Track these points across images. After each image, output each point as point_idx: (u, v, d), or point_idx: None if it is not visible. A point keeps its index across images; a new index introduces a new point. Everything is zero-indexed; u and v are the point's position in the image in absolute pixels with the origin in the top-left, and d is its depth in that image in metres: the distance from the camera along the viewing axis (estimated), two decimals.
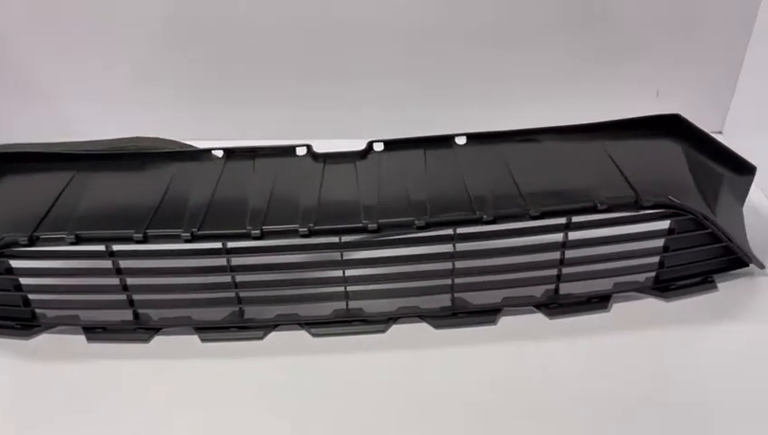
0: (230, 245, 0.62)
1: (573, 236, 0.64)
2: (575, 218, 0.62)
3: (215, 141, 0.74)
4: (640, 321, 0.67)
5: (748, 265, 0.70)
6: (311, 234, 0.60)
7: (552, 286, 0.67)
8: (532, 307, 0.68)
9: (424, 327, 0.67)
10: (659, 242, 0.66)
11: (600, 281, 0.68)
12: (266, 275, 0.65)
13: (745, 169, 0.67)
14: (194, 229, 0.60)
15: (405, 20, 0.90)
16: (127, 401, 0.61)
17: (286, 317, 0.67)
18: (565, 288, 0.68)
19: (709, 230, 0.64)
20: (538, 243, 0.64)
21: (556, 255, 0.65)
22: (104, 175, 0.69)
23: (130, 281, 0.65)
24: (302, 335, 0.67)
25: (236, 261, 0.64)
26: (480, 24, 0.90)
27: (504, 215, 0.61)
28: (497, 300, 0.67)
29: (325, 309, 0.67)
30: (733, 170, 0.68)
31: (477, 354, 0.64)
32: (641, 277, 0.69)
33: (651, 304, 0.68)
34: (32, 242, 0.61)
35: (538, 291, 0.68)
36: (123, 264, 0.63)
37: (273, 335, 0.67)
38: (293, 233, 0.60)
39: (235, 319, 0.67)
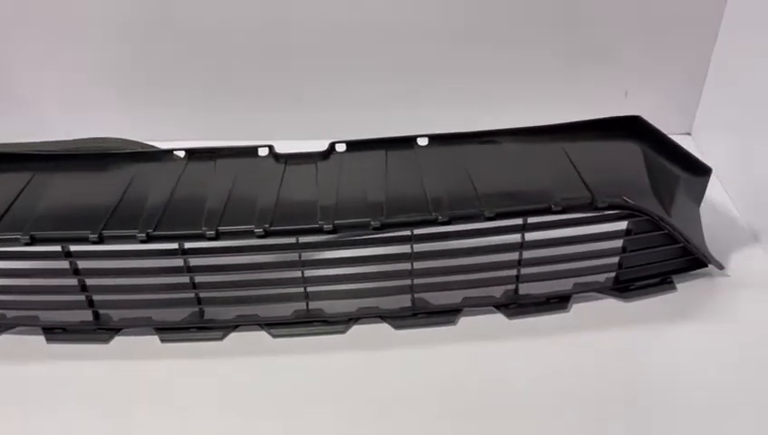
0: (187, 245, 0.62)
1: (532, 236, 0.64)
2: (533, 219, 0.63)
3: (178, 142, 0.74)
4: (599, 321, 0.67)
5: (707, 266, 0.71)
6: (267, 235, 0.60)
7: (512, 287, 0.68)
8: (492, 307, 0.68)
9: (384, 328, 0.67)
10: (618, 243, 0.67)
11: (559, 281, 0.68)
12: (225, 276, 0.65)
13: (701, 171, 0.68)
14: (149, 230, 0.60)
15: (371, 21, 0.90)
16: (86, 401, 0.61)
17: (246, 318, 0.67)
18: (525, 289, 0.68)
19: (665, 231, 0.65)
20: (496, 244, 0.64)
21: (515, 255, 0.65)
22: (64, 175, 0.69)
23: (90, 281, 0.65)
24: (262, 336, 0.67)
25: (195, 262, 0.64)
26: (447, 24, 0.90)
27: (460, 216, 0.61)
28: (457, 300, 0.68)
29: (286, 310, 0.67)
30: (690, 172, 0.68)
31: (437, 355, 0.64)
32: (601, 278, 0.69)
33: (610, 304, 0.69)
34: None
35: (498, 291, 0.68)
36: (81, 264, 0.63)
37: (234, 336, 0.67)
38: (249, 234, 0.60)
39: (195, 320, 0.67)
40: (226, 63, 0.93)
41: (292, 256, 0.64)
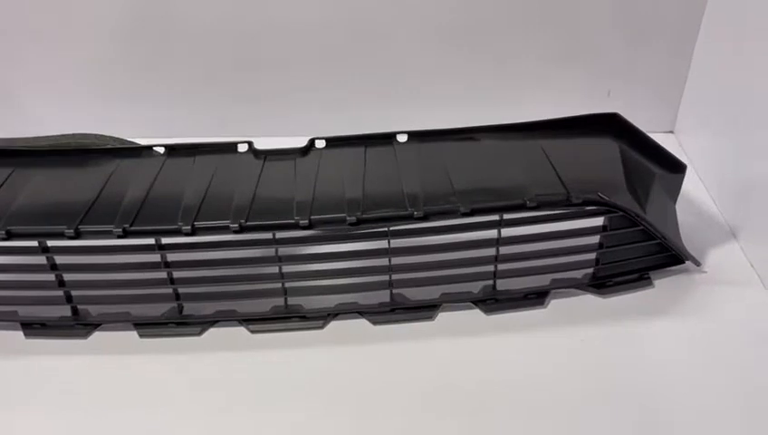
0: (164, 241, 0.62)
1: (508, 232, 0.64)
2: (510, 215, 0.63)
3: (159, 139, 0.74)
4: (576, 317, 0.67)
5: (684, 262, 0.71)
6: (242, 230, 0.61)
7: (490, 283, 0.68)
8: (470, 303, 0.68)
9: (362, 323, 0.67)
10: (595, 239, 0.67)
11: (537, 277, 0.69)
12: (202, 272, 0.65)
13: (677, 168, 0.68)
14: (126, 225, 0.60)
15: (352, 20, 0.90)
16: (64, 396, 0.61)
17: (224, 314, 0.67)
18: (502, 284, 0.68)
19: (641, 227, 0.65)
20: (472, 239, 0.65)
21: (492, 251, 0.66)
22: (44, 171, 0.69)
23: (68, 277, 0.65)
24: (240, 332, 0.67)
25: (173, 257, 0.64)
26: (429, 24, 0.91)
27: (436, 211, 0.61)
28: (435, 296, 0.68)
29: (264, 305, 0.67)
30: (666, 168, 0.69)
31: (415, 350, 0.65)
32: (579, 274, 0.70)
33: (588, 300, 0.69)
34: None
35: (476, 287, 0.69)
36: (59, 260, 0.63)
37: (212, 331, 0.67)
38: (225, 229, 0.61)
39: (173, 315, 0.67)
40: (207, 61, 0.93)
41: (270, 251, 0.64)
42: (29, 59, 0.93)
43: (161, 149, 0.72)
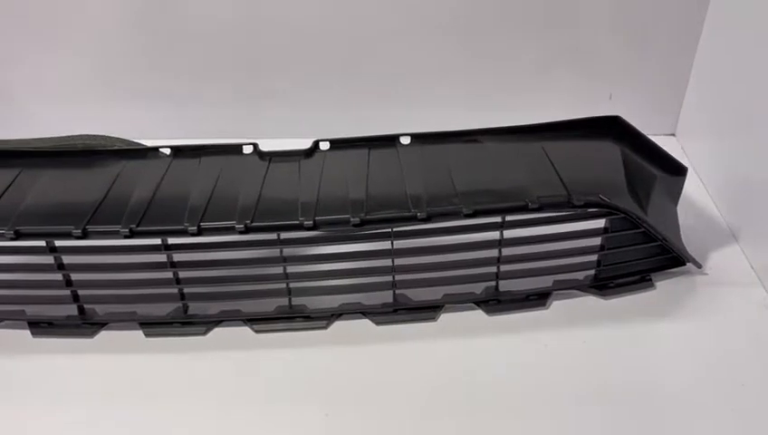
0: (171, 241, 0.63)
1: (511, 234, 0.65)
2: (512, 217, 0.64)
3: (164, 141, 0.75)
4: (578, 318, 0.68)
5: (685, 265, 0.71)
6: (248, 230, 0.61)
7: (492, 284, 0.69)
8: (472, 304, 0.69)
9: (365, 323, 0.68)
10: (596, 241, 0.68)
11: (539, 279, 0.69)
12: (208, 272, 0.66)
13: (678, 170, 0.69)
14: (132, 225, 0.61)
15: (356, 22, 0.91)
16: (70, 395, 0.61)
17: (229, 313, 0.68)
18: (505, 285, 0.69)
19: (642, 229, 0.66)
20: (475, 241, 0.65)
21: (494, 252, 0.66)
22: (51, 172, 0.70)
23: (75, 277, 0.65)
24: (244, 331, 0.67)
25: (178, 257, 0.65)
26: (432, 24, 0.91)
27: (438, 213, 0.62)
28: (438, 297, 0.68)
29: (268, 305, 0.68)
30: (667, 171, 0.69)
31: (418, 350, 0.65)
32: (580, 275, 0.70)
33: (589, 301, 0.70)
34: None
35: (478, 288, 0.69)
36: (66, 259, 0.64)
37: (217, 331, 0.68)
38: (231, 229, 0.61)
39: (178, 315, 0.67)
40: (212, 63, 0.94)
41: (274, 252, 0.65)
42: (32, 59, 0.94)
43: (167, 151, 0.73)
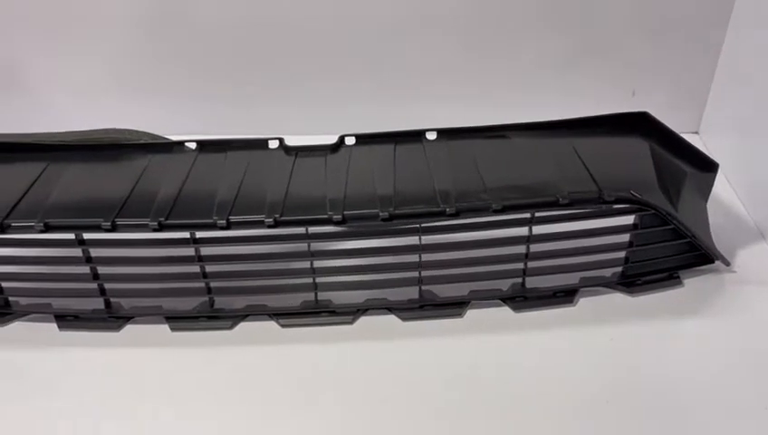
0: (198, 235, 0.63)
1: (539, 230, 0.65)
2: (541, 213, 0.63)
3: (188, 136, 0.75)
4: (605, 315, 0.67)
5: (714, 262, 0.71)
6: (276, 224, 0.61)
7: (519, 280, 0.68)
8: (498, 300, 0.68)
9: (391, 319, 0.68)
10: (625, 237, 0.67)
11: (566, 275, 0.69)
12: (235, 266, 0.66)
13: (709, 167, 0.68)
14: (161, 219, 0.61)
15: (382, 17, 0.91)
16: (97, 389, 0.61)
17: (255, 308, 0.68)
18: (531, 282, 0.68)
19: (672, 226, 0.65)
20: (504, 236, 0.65)
21: (522, 248, 0.66)
22: (77, 165, 0.70)
23: (102, 270, 0.66)
24: (270, 326, 0.67)
25: (206, 251, 0.64)
26: (456, 20, 0.91)
27: (467, 208, 0.62)
28: (464, 293, 0.68)
29: (294, 300, 0.68)
30: (697, 167, 0.69)
31: (444, 346, 0.65)
32: (607, 272, 0.70)
33: (617, 298, 0.69)
34: (2, 229, 0.61)
35: (504, 284, 0.69)
36: (94, 252, 0.64)
37: (243, 325, 0.68)
38: (259, 223, 0.61)
39: (204, 309, 0.67)
40: (238, 58, 0.94)
41: (302, 246, 0.64)
42: (52, 53, 0.94)
43: (193, 145, 0.73)
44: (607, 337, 0.65)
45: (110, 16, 0.91)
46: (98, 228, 0.61)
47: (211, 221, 0.61)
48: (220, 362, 0.64)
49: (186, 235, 0.63)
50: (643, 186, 0.64)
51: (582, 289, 0.69)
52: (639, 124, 0.74)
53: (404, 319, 0.67)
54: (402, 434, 0.57)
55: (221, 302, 0.68)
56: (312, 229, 0.63)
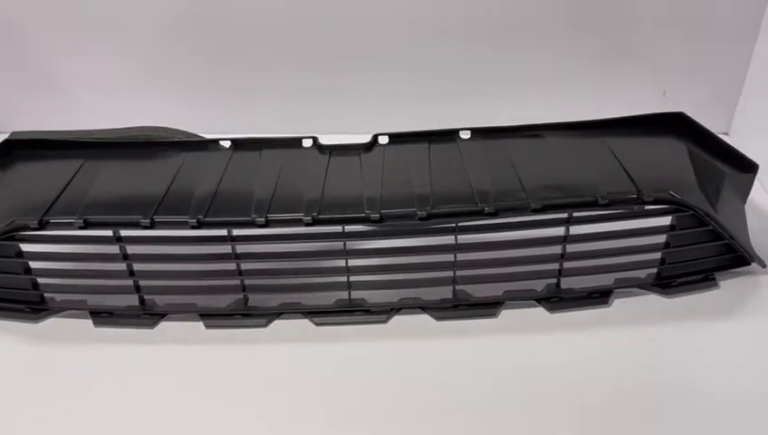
0: (235, 232, 0.63)
1: (575, 230, 0.64)
2: (577, 213, 0.63)
3: (221, 134, 0.75)
4: (641, 317, 0.67)
5: (750, 264, 0.70)
6: (314, 223, 0.61)
7: (554, 280, 0.68)
8: (533, 301, 0.68)
9: (425, 318, 0.68)
10: (661, 238, 0.67)
11: (601, 276, 0.68)
12: (270, 264, 0.66)
13: (748, 167, 0.68)
14: (200, 216, 0.61)
15: (413, 15, 0.91)
16: (131, 385, 0.62)
17: (289, 306, 0.68)
18: (566, 282, 0.68)
19: (710, 227, 0.65)
20: (540, 236, 0.65)
21: (557, 249, 0.66)
22: (114, 163, 0.70)
23: (137, 267, 0.66)
24: (304, 324, 0.67)
25: (241, 249, 0.65)
26: (488, 19, 0.91)
27: (506, 208, 0.61)
28: (498, 293, 0.68)
29: (328, 298, 0.68)
30: (735, 168, 0.68)
31: (478, 346, 0.65)
32: (642, 273, 0.69)
33: (652, 300, 0.69)
34: (41, 226, 0.62)
35: (539, 285, 0.68)
36: (130, 249, 0.65)
37: (277, 323, 0.68)
38: (297, 222, 0.61)
39: (239, 306, 0.68)
40: (270, 57, 0.94)
41: (337, 244, 0.64)
42: (93, 53, 0.95)
43: (227, 144, 0.73)
44: (642, 338, 0.65)
45: (144, 16, 0.92)
46: (136, 225, 0.61)
47: (250, 219, 0.61)
48: (254, 359, 0.64)
49: (222, 232, 0.63)
50: (681, 186, 0.64)
51: (617, 290, 0.69)
52: (675, 124, 0.73)
53: (438, 319, 0.67)
54: (435, 434, 0.57)
55: (255, 300, 0.68)
56: (349, 228, 0.63)
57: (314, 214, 0.61)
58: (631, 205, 0.62)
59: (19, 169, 0.72)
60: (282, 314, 0.68)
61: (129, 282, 0.66)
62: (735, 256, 0.69)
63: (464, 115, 0.79)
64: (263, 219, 0.61)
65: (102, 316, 0.68)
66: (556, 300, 0.68)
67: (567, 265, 0.67)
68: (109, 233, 0.63)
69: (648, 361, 0.63)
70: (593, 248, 0.66)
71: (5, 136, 0.77)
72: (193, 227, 0.61)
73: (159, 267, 0.66)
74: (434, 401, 0.59)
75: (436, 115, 0.80)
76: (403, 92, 0.96)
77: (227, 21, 0.92)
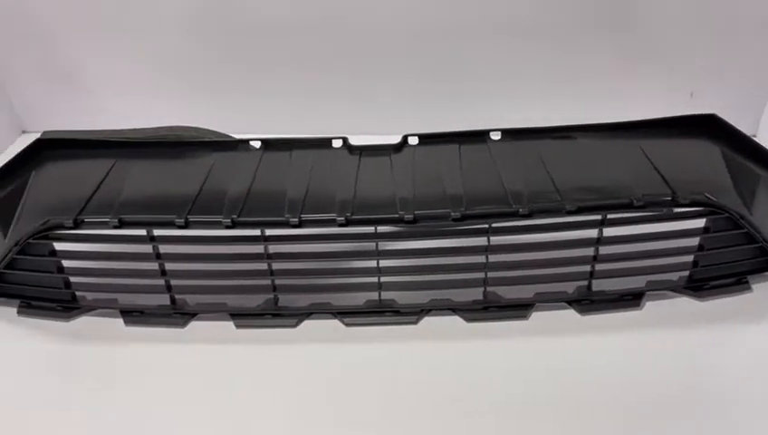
0: (268, 232, 0.63)
1: (608, 232, 0.64)
2: (614, 215, 0.62)
3: (251, 135, 0.75)
4: (673, 320, 0.66)
5: None
6: (348, 223, 0.61)
7: (585, 283, 0.68)
8: (563, 303, 0.68)
9: (455, 320, 0.67)
10: (694, 241, 0.66)
11: (632, 279, 0.68)
12: (302, 264, 0.66)
13: None
14: (234, 216, 0.61)
15: (441, 16, 0.91)
16: (161, 384, 0.62)
17: (319, 306, 0.68)
18: (598, 285, 0.68)
19: (745, 230, 0.64)
20: (572, 238, 0.64)
21: (590, 251, 0.65)
22: (145, 162, 0.71)
23: (169, 266, 0.66)
24: (334, 324, 0.67)
25: (273, 249, 0.65)
26: (516, 21, 0.91)
27: (541, 209, 0.61)
28: (529, 295, 0.68)
29: (358, 299, 0.68)
30: None
31: (508, 348, 0.64)
32: (674, 276, 0.69)
33: (684, 303, 0.68)
34: (76, 225, 0.62)
35: (570, 287, 0.68)
36: (163, 249, 0.65)
37: (307, 323, 0.68)
38: (331, 222, 0.61)
39: (269, 306, 0.68)
40: (299, 57, 0.95)
41: (369, 245, 0.64)
42: (123, 53, 0.96)
43: (257, 144, 0.73)
44: (674, 341, 0.64)
45: (174, 17, 0.92)
46: (171, 225, 0.62)
47: (283, 219, 0.61)
48: (284, 359, 0.64)
49: (255, 232, 0.63)
50: (717, 188, 0.63)
51: (649, 293, 0.68)
52: (708, 126, 0.73)
53: (468, 320, 0.67)
54: None
55: (285, 300, 0.68)
56: (382, 228, 0.63)
57: (347, 214, 0.61)
58: (667, 207, 0.62)
59: (50, 168, 0.72)
60: (312, 314, 0.68)
61: (161, 281, 0.66)
62: None
63: (493, 117, 0.78)
64: (296, 219, 0.61)
65: (133, 315, 0.68)
66: (587, 302, 0.67)
67: (599, 267, 0.66)
68: (142, 232, 0.63)
69: (681, 363, 0.62)
70: (625, 250, 0.66)
71: (36, 136, 0.77)
72: (227, 227, 0.61)
73: (191, 267, 0.66)
74: (465, 403, 0.59)
75: (465, 116, 0.79)
76: (431, 93, 0.95)
77: (254, 22, 0.92)
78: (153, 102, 0.96)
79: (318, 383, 0.62)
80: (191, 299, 0.68)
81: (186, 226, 0.61)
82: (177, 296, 0.68)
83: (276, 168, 0.69)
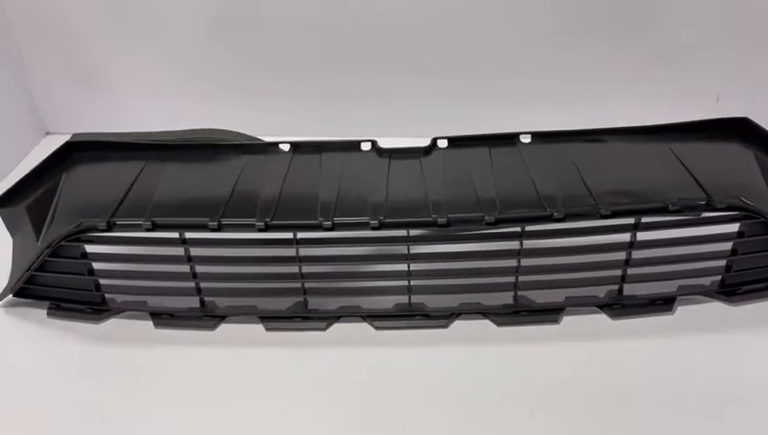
0: (300, 235, 0.63)
1: (641, 236, 0.64)
2: (647, 219, 0.62)
3: (279, 137, 0.75)
4: (705, 324, 0.66)
5: None
6: (381, 226, 0.61)
7: (616, 287, 0.67)
8: (595, 307, 0.67)
9: (486, 324, 0.67)
10: (727, 245, 0.66)
11: (664, 283, 0.67)
12: (332, 267, 0.66)
13: None
14: (267, 219, 0.61)
15: (468, 18, 0.90)
16: (190, 386, 0.62)
17: (349, 309, 0.67)
18: (629, 289, 0.67)
19: None
20: (605, 242, 0.64)
21: (622, 255, 0.65)
22: (175, 165, 0.71)
23: (200, 269, 0.66)
24: (364, 328, 0.67)
25: (304, 252, 0.65)
26: (543, 23, 0.91)
27: (575, 213, 0.61)
28: (560, 299, 0.67)
29: (387, 302, 0.68)
30: None
31: (539, 353, 0.64)
32: (707, 281, 0.68)
33: (717, 307, 0.68)
34: (109, 227, 0.62)
35: (601, 291, 0.68)
36: (194, 251, 0.65)
37: (336, 327, 0.68)
38: (364, 225, 0.61)
39: (299, 309, 0.67)
40: (327, 59, 0.95)
41: (400, 248, 0.64)
42: (151, 56, 0.96)
43: (286, 147, 0.73)
44: (707, 346, 0.64)
45: (199, 17, 0.92)
46: (204, 228, 0.62)
47: (316, 222, 0.61)
48: (314, 362, 0.64)
49: (287, 235, 0.63)
50: (752, 193, 0.63)
51: (681, 297, 0.68)
52: (739, 129, 0.72)
53: (499, 324, 0.67)
54: None
55: (315, 303, 0.68)
56: (414, 232, 0.63)
57: (381, 218, 0.61)
58: (702, 211, 0.61)
59: (81, 170, 0.72)
60: (341, 317, 0.68)
61: (192, 284, 0.67)
62: None
63: (521, 119, 0.78)
64: (329, 223, 0.61)
65: (163, 318, 0.68)
66: (618, 307, 0.67)
67: (631, 271, 0.66)
68: (174, 235, 0.63)
69: (713, 368, 0.62)
70: (658, 255, 0.65)
71: (61, 138, 0.77)
72: (260, 230, 0.61)
73: (222, 269, 0.66)
74: (497, 408, 0.59)
75: (494, 119, 0.79)
76: (459, 95, 0.95)
77: (282, 23, 0.92)
78: (176, 104, 0.96)
79: (347, 386, 0.61)
80: (221, 302, 0.68)
81: (219, 229, 0.61)
82: (206, 299, 0.68)
83: (306, 171, 0.69)
